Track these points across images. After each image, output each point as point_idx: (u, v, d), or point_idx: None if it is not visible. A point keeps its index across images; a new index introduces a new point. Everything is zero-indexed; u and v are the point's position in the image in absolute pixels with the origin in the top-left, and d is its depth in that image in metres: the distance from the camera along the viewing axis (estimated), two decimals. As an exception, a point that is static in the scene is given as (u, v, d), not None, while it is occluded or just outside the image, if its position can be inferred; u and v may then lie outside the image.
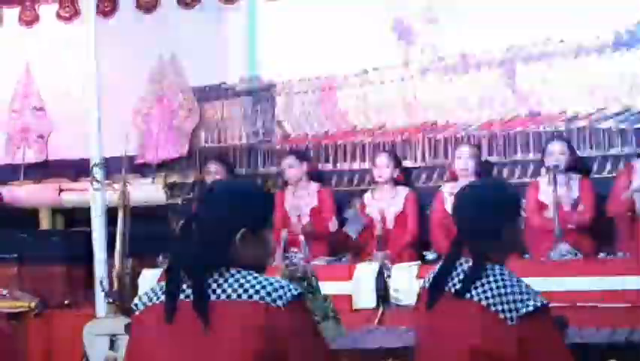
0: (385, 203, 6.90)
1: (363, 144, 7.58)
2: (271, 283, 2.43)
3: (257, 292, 2.41)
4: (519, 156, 7.10)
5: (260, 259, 2.55)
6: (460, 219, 2.96)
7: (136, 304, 2.57)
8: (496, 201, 2.93)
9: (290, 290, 2.43)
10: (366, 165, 7.39)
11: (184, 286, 2.47)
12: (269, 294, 2.41)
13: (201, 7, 8.22)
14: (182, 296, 2.46)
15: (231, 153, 7.94)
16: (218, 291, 2.44)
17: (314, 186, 7.20)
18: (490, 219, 2.89)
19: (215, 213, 2.51)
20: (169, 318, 2.43)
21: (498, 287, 2.78)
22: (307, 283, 3.61)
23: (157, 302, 2.51)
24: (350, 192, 7.46)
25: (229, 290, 2.43)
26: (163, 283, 2.53)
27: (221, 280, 2.45)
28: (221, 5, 8.15)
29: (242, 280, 2.44)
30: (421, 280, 3.13)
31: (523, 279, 2.88)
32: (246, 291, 2.42)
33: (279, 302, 2.40)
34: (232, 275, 2.45)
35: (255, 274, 2.46)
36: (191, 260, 2.46)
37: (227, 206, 2.52)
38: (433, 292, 2.88)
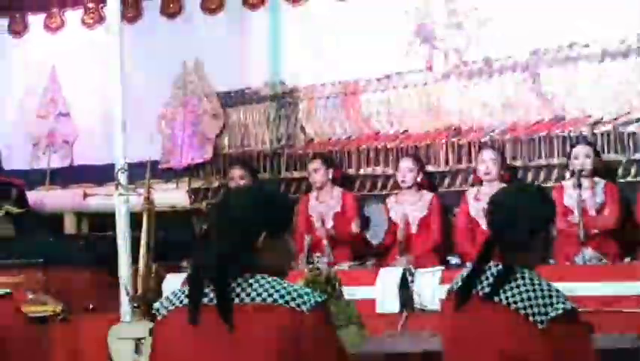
0: (409, 207, 6.90)
1: (386, 149, 7.58)
2: (296, 290, 2.46)
3: (282, 296, 2.43)
4: (543, 161, 7.08)
5: (282, 263, 2.58)
6: (492, 222, 2.97)
7: (157, 309, 2.59)
8: (531, 207, 2.93)
9: (314, 296, 2.45)
10: (390, 170, 7.39)
11: (207, 290, 2.48)
12: (294, 299, 2.43)
13: (225, 12, 8.26)
14: (205, 300, 2.47)
15: (255, 158, 7.96)
16: (242, 295, 2.45)
17: (338, 190, 7.21)
18: (524, 224, 2.89)
19: (236, 218, 2.53)
20: (193, 321, 2.45)
21: (527, 291, 2.79)
22: (331, 288, 3.62)
23: (180, 306, 2.52)
24: (373, 196, 7.46)
25: (253, 294, 2.45)
26: (185, 288, 2.55)
27: (244, 285, 2.46)
28: (245, 10, 8.18)
29: (267, 285, 2.46)
30: (445, 286, 3.13)
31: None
32: (270, 295, 2.44)
33: (304, 307, 2.42)
34: (257, 280, 2.47)
35: (280, 280, 2.48)
36: (214, 265, 2.48)
37: (248, 210, 2.53)
38: (463, 293, 2.88)
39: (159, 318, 2.58)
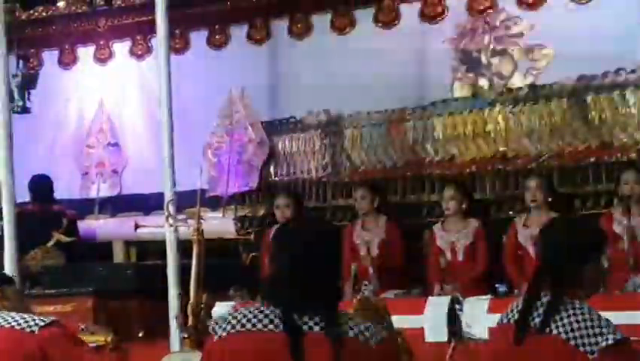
0: (455, 235, 6.87)
1: (432, 176, 7.57)
2: (363, 323, 2.60)
3: (351, 328, 2.55)
4: (591, 187, 7.03)
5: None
6: (543, 254, 2.97)
7: (214, 329, 2.63)
8: (581, 239, 2.93)
9: (379, 331, 2.58)
10: (436, 197, 7.37)
11: (276, 320, 2.56)
12: (362, 332, 2.55)
13: (271, 42, 8.34)
14: (277, 329, 2.55)
15: (301, 186, 7.99)
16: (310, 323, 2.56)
17: (383, 218, 7.19)
18: (574, 257, 2.89)
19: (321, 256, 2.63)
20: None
21: (577, 321, 2.79)
22: (380, 318, 3.63)
23: (242, 330, 2.57)
24: (419, 224, 7.45)
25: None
26: (245, 311, 2.61)
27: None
28: (291, 40, 8.25)
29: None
30: (493, 314, 3.13)
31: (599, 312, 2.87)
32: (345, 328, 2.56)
33: (371, 341, 2.54)
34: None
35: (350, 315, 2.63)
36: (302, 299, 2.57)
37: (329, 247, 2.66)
38: (521, 327, 2.87)
39: (215, 338, 2.62)
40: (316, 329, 2.53)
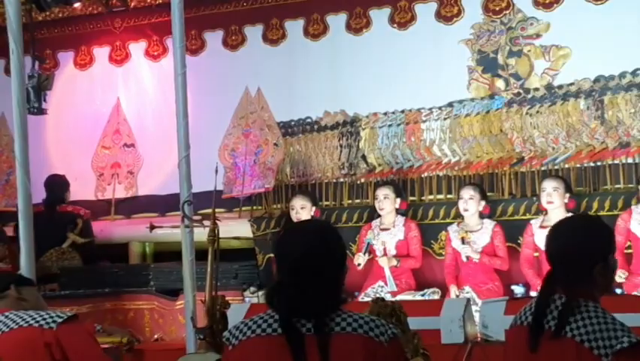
0: (472, 235, 6.84)
1: (448, 177, 7.55)
2: (373, 320, 2.60)
3: (360, 326, 2.57)
4: (609, 188, 7.00)
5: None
6: (552, 255, 2.93)
7: (228, 339, 2.67)
8: (587, 239, 2.90)
9: (390, 328, 2.60)
10: (452, 198, 7.35)
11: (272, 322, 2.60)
12: (372, 329, 2.57)
13: (286, 43, 8.33)
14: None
15: (317, 187, 7.98)
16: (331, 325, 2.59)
17: (400, 219, 7.17)
18: (581, 257, 2.85)
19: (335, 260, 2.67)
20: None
21: (592, 324, 2.76)
22: (396, 320, 3.61)
23: (252, 336, 2.61)
24: (436, 225, 7.42)
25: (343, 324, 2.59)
26: (256, 318, 2.64)
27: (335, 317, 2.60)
28: (306, 41, 8.25)
29: (349, 319, 2.60)
30: (510, 316, 3.10)
31: (615, 314, 2.84)
32: (349, 325, 2.58)
33: (382, 338, 2.57)
34: (339, 314, 2.61)
35: (360, 314, 2.62)
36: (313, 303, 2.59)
37: (327, 252, 2.67)
38: (536, 332, 2.85)
39: (230, 348, 2.66)
40: (312, 330, 2.57)
